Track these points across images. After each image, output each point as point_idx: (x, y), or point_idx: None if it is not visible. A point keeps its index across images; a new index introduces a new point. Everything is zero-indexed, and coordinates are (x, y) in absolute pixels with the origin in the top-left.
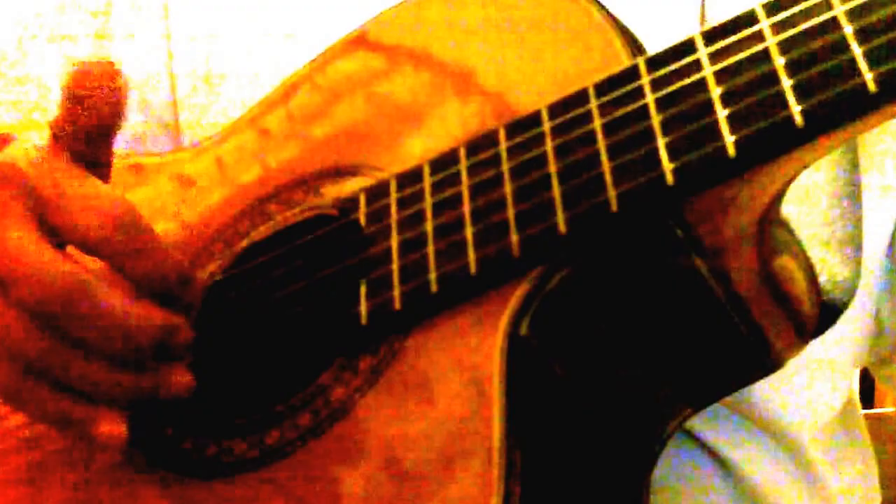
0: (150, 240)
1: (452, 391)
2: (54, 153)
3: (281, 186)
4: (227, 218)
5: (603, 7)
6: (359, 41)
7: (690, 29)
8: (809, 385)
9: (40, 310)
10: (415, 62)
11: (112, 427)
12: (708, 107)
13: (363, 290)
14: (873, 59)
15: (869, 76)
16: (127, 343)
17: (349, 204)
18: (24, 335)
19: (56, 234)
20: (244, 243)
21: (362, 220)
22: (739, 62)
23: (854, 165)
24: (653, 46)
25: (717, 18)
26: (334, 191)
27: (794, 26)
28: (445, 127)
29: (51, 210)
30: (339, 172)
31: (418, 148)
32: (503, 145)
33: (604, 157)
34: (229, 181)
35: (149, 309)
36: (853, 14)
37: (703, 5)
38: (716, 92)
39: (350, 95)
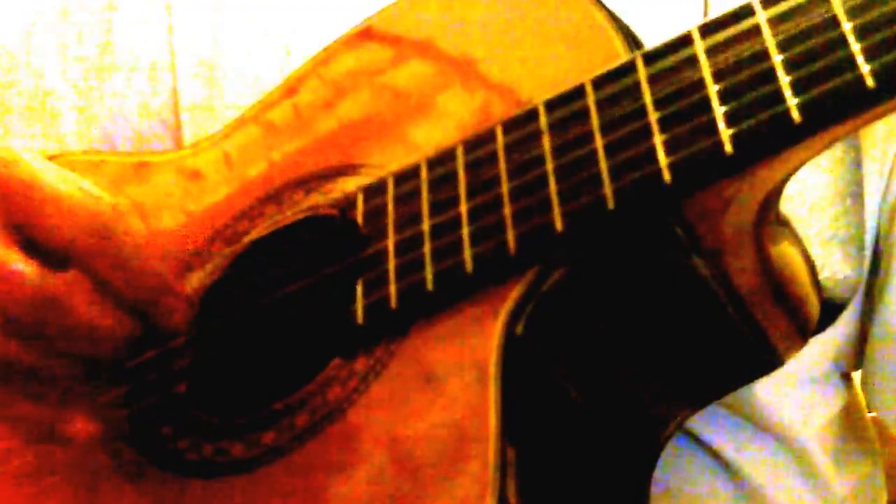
0: (124, 247)
1: (450, 391)
2: (23, 155)
3: (283, 185)
4: (227, 217)
5: (602, 5)
6: (363, 35)
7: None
8: (809, 385)
9: (12, 316)
10: (419, 54)
11: (84, 426)
12: (705, 103)
13: (360, 289)
14: (872, 55)
15: (866, 69)
16: (94, 350)
17: (347, 203)
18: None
19: (26, 239)
20: (243, 243)
21: (360, 219)
22: (737, 58)
23: (857, 163)
24: (655, 43)
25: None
26: (337, 188)
27: (792, 21)
28: (451, 117)
29: (20, 215)
30: (342, 170)
31: (424, 138)
32: (500, 143)
33: (601, 155)
34: (236, 176)
35: (117, 318)
36: (852, 10)
37: (706, 3)
38: (713, 88)
39: (355, 88)
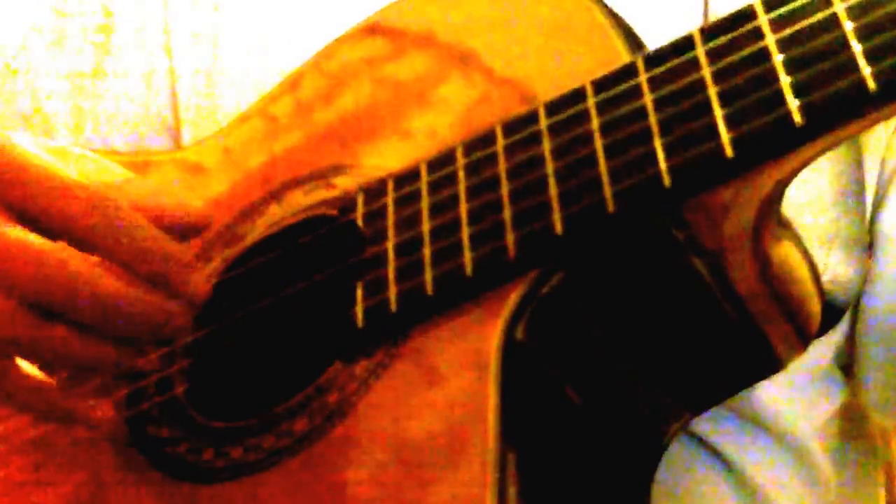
0: (123, 219)
1: (450, 394)
2: (14, 137)
3: (282, 184)
4: (227, 219)
5: (605, 5)
6: (365, 31)
7: (694, 27)
8: (810, 383)
9: (44, 300)
10: (419, 46)
11: (105, 411)
12: (706, 106)
13: (359, 292)
14: (873, 57)
15: (868, 72)
16: (126, 326)
17: (347, 204)
18: (15, 324)
19: (28, 223)
20: (243, 245)
21: (360, 221)
22: (738, 60)
23: (858, 163)
24: (656, 45)
25: (719, 16)
26: (335, 186)
27: (793, 23)
28: (450, 107)
29: (14, 195)
30: (339, 167)
31: (421, 128)
32: (500, 144)
33: (601, 157)
34: (236, 168)
35: (145, 292)
36: (853, 11)
37: (706, 3)
38: (713, 91)
39: (354, 81)
